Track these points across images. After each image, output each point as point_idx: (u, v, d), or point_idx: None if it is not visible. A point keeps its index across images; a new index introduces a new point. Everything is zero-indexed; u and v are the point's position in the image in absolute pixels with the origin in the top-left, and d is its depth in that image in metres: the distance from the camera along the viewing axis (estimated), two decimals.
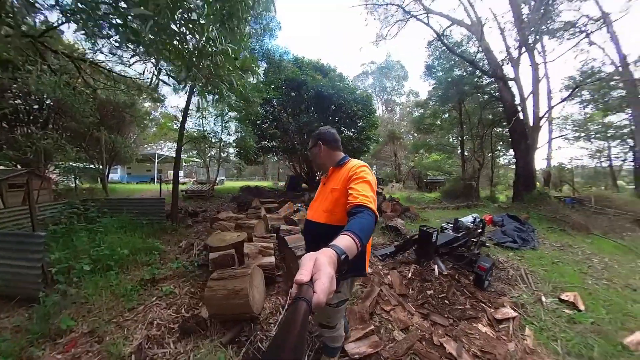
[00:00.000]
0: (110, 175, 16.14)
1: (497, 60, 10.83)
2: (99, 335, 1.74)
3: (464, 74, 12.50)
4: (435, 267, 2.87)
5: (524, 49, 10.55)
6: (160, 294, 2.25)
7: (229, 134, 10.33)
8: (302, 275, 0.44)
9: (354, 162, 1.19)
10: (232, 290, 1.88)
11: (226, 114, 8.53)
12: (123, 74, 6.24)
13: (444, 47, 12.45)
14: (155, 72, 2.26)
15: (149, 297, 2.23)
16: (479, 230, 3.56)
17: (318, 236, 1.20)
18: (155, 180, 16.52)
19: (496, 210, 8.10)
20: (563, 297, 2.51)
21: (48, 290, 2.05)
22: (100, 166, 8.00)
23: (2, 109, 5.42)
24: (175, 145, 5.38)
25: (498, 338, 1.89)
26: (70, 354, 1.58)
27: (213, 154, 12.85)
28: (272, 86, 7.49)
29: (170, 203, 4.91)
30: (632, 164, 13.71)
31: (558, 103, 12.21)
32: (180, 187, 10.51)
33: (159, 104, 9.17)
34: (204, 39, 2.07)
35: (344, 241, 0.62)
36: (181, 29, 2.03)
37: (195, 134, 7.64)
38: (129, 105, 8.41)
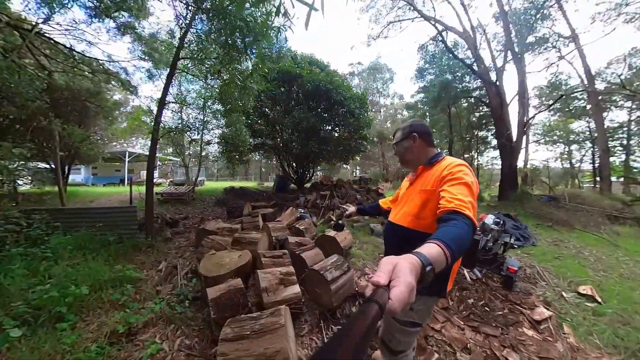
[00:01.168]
0: (72, 177, 14.18)
1: (486, 66, 11.26)
2: None
3: (454, 78, 12.84)
4: (466, 272, 2.78)
5: (509, 58, 11.17)
6: (143, 356, 1.54)
7: (211, 128, 9.31)
8: (380, 277, 0.42)
9: (449, 160, 1.03)
10: (263, 356, 1.25)
11: (208, 105, 7.55)
12: (87, 55, 5.17)
13: (435, 52, 13.01)
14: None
15: None
16: (502, 231, 3.37)
17: (400, 241, 1.10)
18: (126, 181, 14.78)
19: (486, 210, 8.19)
20: (581, 290, 2.62)
21: None
22: (53, 165, 6.63)
23: None
24: (149, 142, 4.47)
25: (544, 340, 1.91)
26: None
27: (192, 151, 11.71)
28: (265, 77, 6.75)
29: (144, 210, 4.01)
30: (591, 165, 16.07)
31: (541, 111, 13.16)
32: (155, 189, 9.33)
33: (130, 95, 7.94)
34: None
35: (432, 250, 0.54)
36: None
37: (173, 127, 6.57)
38: (94, 93, 7.12)
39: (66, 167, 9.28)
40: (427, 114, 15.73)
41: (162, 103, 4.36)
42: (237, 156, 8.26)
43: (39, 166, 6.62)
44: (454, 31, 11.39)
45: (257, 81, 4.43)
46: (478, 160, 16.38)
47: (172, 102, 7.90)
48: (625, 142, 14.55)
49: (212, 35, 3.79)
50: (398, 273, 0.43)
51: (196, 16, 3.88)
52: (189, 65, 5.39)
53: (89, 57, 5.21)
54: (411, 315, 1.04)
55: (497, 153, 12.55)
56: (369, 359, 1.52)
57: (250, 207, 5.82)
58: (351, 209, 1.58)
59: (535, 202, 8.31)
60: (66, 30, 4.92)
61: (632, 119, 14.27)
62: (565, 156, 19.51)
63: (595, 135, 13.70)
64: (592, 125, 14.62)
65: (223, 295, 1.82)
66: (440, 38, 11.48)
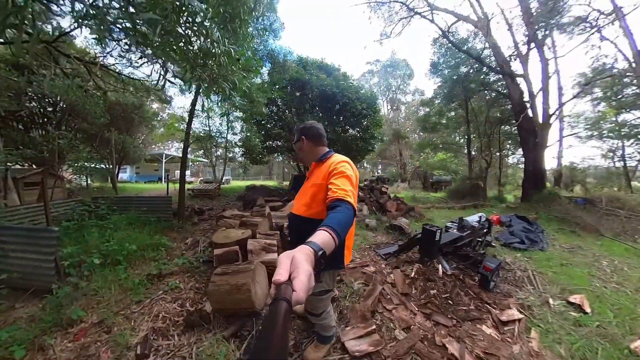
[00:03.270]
0: (120, 175, 16.60)
1: (505, 57, 10.55)
2: (108, 326, 1.81)
3: (470, 71, 12.29)
4: (439, 266, 2.83)
5: (533, 45, 10.19)
6: (166, 289, 2.32)
7: (234, 133, 10.47)
8: (280, 275, 0.45)
9: (335, 157, 1.21)
10: (234, 286, 1.93)
11: (230, 113, 8.64)
12: (131, 76, 6.42)
13: (450, 45, 12.16)
14: (162, 73, 2.33)
15: (155, 291, 2.30)
16: (484, 230, 3.51)
17: (298, 228, 1.27)
18: (163, 179, 16.88)
19: (504, 211, 7.95)
20: (571, 299, 2.48)
21: (60, 282, 2.15)
22: (110, 166, 8.23)
23: (19, 111, 5.66)
24: (182, 145, 5.52)
25: (503, 340, 1.87)
26: (80, 343, 1.66)
27: (219, 153, 13.05)
28: (277, 86, 7.54)
29: (177, 201, 5.04)
30: None
31: (568, 100, 11.86)
32: (187, 186, 10.73)
33: (166, 105, 9.35)
34: (208, 40, 2.13)
35: (321, 237, 0.63)
36: (186, 32, 2.10)
37: (201, 134, 7.77)
38: (138, 106, 8.64)
39: (117, 167, 11.13)
40: (444, 110, 15.06)
41: (191, 114, 5.38)
42: (253, 157, 9.22)
43: (100, 166, 8.24)
44: (468, 21, 10.88)
45: (262, 95, 5.19)
46: (503, 159, 14.99)
47: (199, 111, 9.14)
48: None
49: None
50: (296, 265, 0.47)
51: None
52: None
53: (132, 78, 6.47)
54: (321, 286, 1.28)
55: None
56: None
57: (263, 201, 6.66)
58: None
59: (564, 205, 7.60)
60: (116, 58, 6.24)
61: None
62: (611, 154, 15.78)
63: None
64: None
65: (224, 253, 2.55)
66: (443, 34, 10.93)
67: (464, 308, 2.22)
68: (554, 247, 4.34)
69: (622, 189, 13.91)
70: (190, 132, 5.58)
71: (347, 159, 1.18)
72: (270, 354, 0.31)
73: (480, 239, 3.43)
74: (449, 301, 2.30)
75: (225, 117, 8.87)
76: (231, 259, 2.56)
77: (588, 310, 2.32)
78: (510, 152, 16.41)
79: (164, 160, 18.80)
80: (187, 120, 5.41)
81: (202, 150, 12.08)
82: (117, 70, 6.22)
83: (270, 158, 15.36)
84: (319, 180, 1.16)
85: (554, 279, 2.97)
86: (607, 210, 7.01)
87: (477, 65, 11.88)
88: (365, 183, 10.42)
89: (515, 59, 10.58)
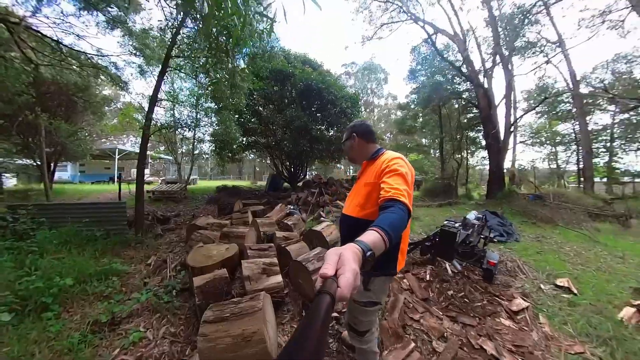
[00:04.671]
0: (58, 174, 13.87)
1: (476, 70, 11.51)
2: None
3: (444, 80, 13.08)
4: (447, 265, 2.87)
5: (498, 61, 11.44)
6: (125, 343, 1.59)
7: (206, 124, 9.25)
8: (327, 269, 0.45)
9: (388, 154, 1.14)
10: (240, 337, 1.32)
11: (202, 99, 7.47)
12: (75, 48, 5.09)
13: (427, 54, 13.13)
14: None
15: (108, 349, 1.56)
16: (484, 227, 3.48)
17: (352, 230, 1.15)
18: (116, 179, 14.54)
19: (474, 207, 8.40)
20: (558, 283, 2.76)
21: None
22: (39, 162, 6.49)
23: None
24: (140, 139, 4.45)
25: (520, 329, 1.98)
26: None
27: (185, 149, 11.61)
28: (255, 78, 6.76)
29: (134, 207, 4.01)
30: (576, 165, 16.54)
31: (525, 113, 13.52)
32: (147, 187, 9.24)
33: (121, 91, 7.75)
34: None
35: (371, 237, 0.60)
36: None
37: (165, 124, 6.45)
38: (82, 88, 6.96)
39: (52, 164, 9.10)
40: (419, 114, 15.92)
41: (153, 100, 4.36)
42: (228, 154, 8.22)
43: (23, 162, 6.46)
44: (444, 34, 11.59)
45: (248, 80, 4.46)
46: (468, 160, 16.68)
47: (164, 100, 7.84)
48: (608, 144, 15.01)
49: (198, 37, 3.83)
50: (343, 262, 0.47)
51: (187, 17, 3.92)
52: (181, 63, 5.37)
53: (77, 50, 5.11)
54: (369, 296, 1.14)
55: (486, 153, 12.85)
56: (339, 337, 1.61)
57: (241, 204, 5.85)
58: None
59: (521, 201, 8.56)
60: (54, 23, 4.85)
61: (614, 122, 14.76)
62: (552, 157, 20.02)
63: (580, 137, 14.09)
64: (577, 127, 14.89)
65: (208, 284, 1.89)
66: (430, 41, 11.67)
67: (479, 304, 2.29)
68: (524, 238, 4.71)
69: (557, 185, 17.00)
70: (152, 120, 4.53)
71: (401, 155, 1.10)
72: (308, 346, 0.29)
73: (482, 236, 3.40)
74: (465, 299, 2.35)
75: (195, 103, 7.65)
76: (219, 290, 1.91)
77: (575, 291, 2.60)
78: (470, 155, 18.20)
79: (117, 157, 16.14)
80: (147, 106, 4.39)
81: (166, 146, 10.59)
82: (54, 39, 4.85)
83: (244, 155, 14.28)
84: (371, 179, 1.10)
85: (537, 266, 3.22)
86: (556, 204, 8.02)
87: (450, 75, 12.85)
88: (349, 182, 10.18)
89: (482, 74, 11.61)
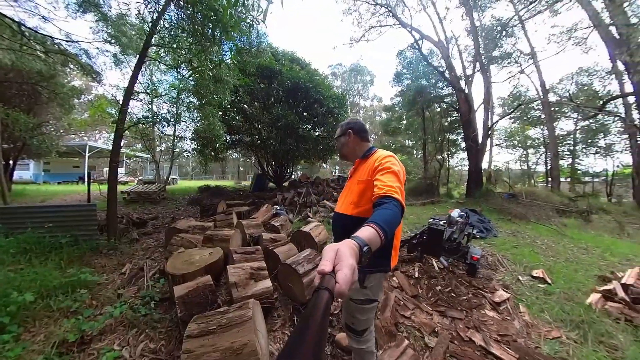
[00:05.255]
0: (18, 174, 12.63)
1: (457, 76, 12.07)
2: None
3: (428, 84, 13.60)
4: (434, 262, 2.96)
5: (477, 69, 12.18)
6: None
7: (185, 121, 8.75)
8: (325, 265, 0.45)
9: (380, 152, 1.15)
10: (229, 350, 1.23)
11: (187, 94, 7.02)
12: (40, 31, 4.59)
13: (412, 58, 13.63)
14: None
15: None
16: (466, 224, 3.64)
17: (345, 228, 1.16)
18: (86, 179, 13.51)
19: (455, 205, 8.84)
20: (534, 274, 2.96)
21: None
22: None
23: None
24: (113, 134, 4.08)
25: (504, 319, 2.10)
26: None
27: (164, 148, 11.02)
28: (241, 74, 6.50)
29: (106, 210, 3.69)
30: (544, 166, 18.20)
31: (502, 118, 14.47)
32: (121, 187, 8.63)
33: (93, 81, 7.04)
34: None
35: (367, 233, 0.61)
36: None
37: (142, 119, 5.94)
38: (47, 77, 6.29)
39: (10, 162, 8.23)
40: (403, 116, 16.36)
41: (129, 92, 4.03)
42: (211, 152, 7.88)
43: None
44: (429, 40, 11.99)
45: (234, 74, 4.27)
46: (449, 161, 17.46)
47: (142, 92, 7.33)
48: (571, 147, 16.60)
49: (183, 22, 3.59)
50: (340, 258, 0.47)
51: (171, 2, 3.65)
52: (162, 53, 5.02)
53: (42, 34, 4.61)
54: (365, 293, 1.14)
55: (465, 155, 13.52)
56: (333, 339, 1.60)
57: (225, 206, 5.63)
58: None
59: (497, 199, 9.10)
60: (15, 1, 4.35)
61: (577, 128, 16.26)
62: (523, 159, 21.78)
63: (548, 141, 15.55)
64: (546, 132, 16.30)
65: (190, 293, 1.75)
66: (417, 46, 12.04)
67: (465, 298, 2.39)
68: (502, 233, 4.98)
69: (529, 185, 18.63)
70: (127, 114, 4.17)
71: (393, 154, 1.11)
72: (307, 343, 0.29)
73: (466, 233, 3.55)
74: (452, 294, 2.44)
75: (176, 98, 7.19)
76: (203, 300, 1.78)
77: (549, 280, 2.81)
78: (451, 156, 19.20)
79: (87, 154, 14.88)
80: (123, 99, 4.04)
81: (143, 143, 9.97)
82: (15, 20, 4.32)
83: (228, 154, 13.81)
84: (365, 176, 1.11)
85: (514, 259, 3.43)
86: (527, 202, 8.64)
87: (433, 80, 13.39)
88: (336, 182, 10.20)
89: (463, 79, 12.26)
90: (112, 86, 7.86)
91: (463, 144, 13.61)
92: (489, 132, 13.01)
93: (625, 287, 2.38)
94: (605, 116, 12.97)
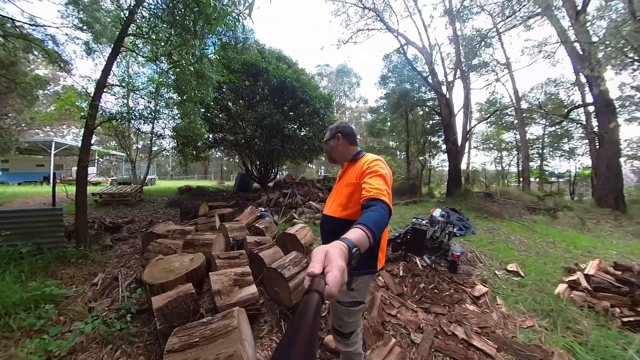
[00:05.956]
0: None
1: (439, 81, 12.60)
2: None
3: (412, 88, 14.12)
4: (418, 260, 3.07)
5: (458, 75, 12.81)
6: None
7: (164, 119, 8.29)
8: (314, 267, 0.45)
9: (368, 156, 1.18)
10: None
11: (166, 89, 6.61)
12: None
13: (397, 62, 14.08)
14: None
15: None
16: (448, 223, 3.78)
17: (333, 230, 1.17)
18: (51, 179, 12.42)
19: (437, 205, 9.21)
20: (509, 268, 3.14)
21: None
22: None
23: None
24: (84, 130, 3.72)
25: (483, 312, 2.22)
26: None
27: (141, 145, 10.41)
28: (225, 70, 6.26)
29: (75, 214, 3.40)
30: (516, 168, 19.84)
31: (479, 122, 15.39)
32: (92, 189, 8.04)
33: (60, 70, 6.36)
34: None
35: (356, 234, 0.61)
36: None
37: (117, 114, 5.44)
38: (6, 64, 5.65)
39: None
40: (388, 118, 16.78)
41: (102, 84, 3.71)
42: (193, 151, 7.56)
43: None
44: (414, 46, 12.39)
45: (217, 70, 4.09)
46: (430, 162, 18.19)
47: (117, 85, 6.83)
48: (540, 151, 18.16)
49: (163, 12, 3.39)
50: (330, 259, 0.47)
51: None
52: (139, 44, 4.70)
53: (0, 15, 4.15)
54: (353, 296, 1.15)
55: (445, 156, 14.15)
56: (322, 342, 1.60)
57: (207, 208, 5.43)
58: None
59: (475, 198, 9.56)
60: None
61: (545, 133, 17.77)
62: (498, 160, 23.41)
63: (520, 144, 16.79)
64: (518, 136, 17.61)
65: (170, 303, 1.66)
66: (402, 50, 12.39)
67: (447, 293, 2.49)
68: (479, 231, 5.18)
69: (503, 184, 20.10)
70: (98, 108, 3.84)
71: (381, 158, 1.13)
72: (298, 346, 0.29)
73: (447, 232, 3.68)
74: (435, 290, 2.54)
75: (155, 92, 6.76)
76: (185, 310, 1.70)
77: (522, 273, 3.00)
78: (432, 157, 20.10)
79: (53, 151, 13.62)
80: (95, 91, 3.72)
81: (118, 140, 9.36)
82: None
83: (210, 153, 13.32)
84: (353, 179, 1.13)
85: (491, 254, 3.64)
86: (502, 201, 9.19)
87: (417, 84, 13.91)
88: (321, 182, 10.21)
89: (444, 85, 12.79)
90: (82, 77, 7.24)
91: (444, 146, 14.25)
92: (468, 136, 13.86)
93: (587, 277, 2.60)
94: (569, 123, 14.31)
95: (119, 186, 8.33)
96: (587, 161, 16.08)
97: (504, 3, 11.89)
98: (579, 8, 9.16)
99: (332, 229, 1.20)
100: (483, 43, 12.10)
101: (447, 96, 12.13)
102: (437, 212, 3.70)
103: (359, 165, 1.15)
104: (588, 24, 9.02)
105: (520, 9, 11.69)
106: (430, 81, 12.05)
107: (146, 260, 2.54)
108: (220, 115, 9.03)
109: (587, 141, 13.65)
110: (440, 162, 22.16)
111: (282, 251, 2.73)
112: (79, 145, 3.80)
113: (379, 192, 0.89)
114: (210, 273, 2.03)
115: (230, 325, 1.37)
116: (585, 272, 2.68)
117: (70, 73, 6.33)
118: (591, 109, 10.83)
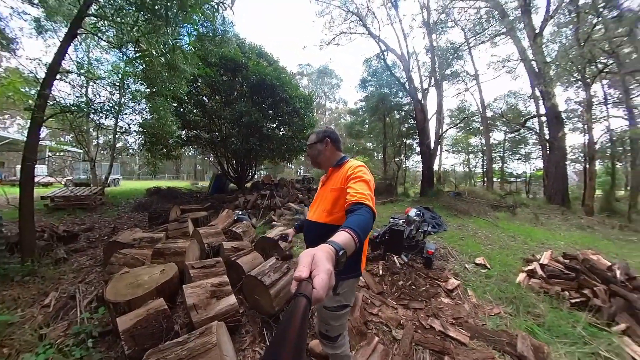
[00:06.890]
0: None
1: (415, 87, 13.32)
2: None
3: (390, 92, 14.74)
4: (396, 259, 3.19)
5: (432, 83, 13.83)
6: None
7: (130, 114, 7.53)
8: (301, 271, 0.45)
9: (352, 162, 1.20)
10: None
11: (133, 80, 5.96)
12: None
13: (377, 67, 14.68)
14: None
15: None
16: (423, 222, 3.98)
17: (319, 236, 1.13)
18: None
19: (411, 204, 9.71)
20: (477, 261, 3.40)
21: None
22: None
23: None
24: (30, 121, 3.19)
25: (456, 304, 2.36)
26: None
27: (102, 142, 9.43)
28: (201, 63, 5.86)
29: (17, 221, 2.93)
30: (481, 169, 22.19)
31: (449, 128, 16.78)
32: (42, 191, 7.07)
33: (2, 50, 5.42)
34: None
35: (342, 237, 0.62)
36: None
37: (73, 106, 4.70)
38: None
39: None
40: (366, 120, 17.27)
41: (54, 69, 3.21)
42: (162, 149, 7.00)
43: None
44: (394, 53, 12.95)
45: (192, 62, 3.81)
46: (405, 164, 19.14)
47: (74, 72, 6.03)
48: (502, 154, 20.54)
49: None
50: (317, 263, 0.47)
51: None
52: (101, 27, 4.20)
53: None
54: (338, 300, 1.16)
55: (419, 158, 14.96)
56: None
57: (179, 211, 5.07)
58: (289, 231, 1.57)
59: (445, 197, 10.28)
60: None
61: (506, 139, 20.07)
62: (466, 162, 25.60)
63: (484, 148, 18.73)
64: (483, 141, 19.54)
65: (140, 323, 1.50)
66: (382, 56, 12.88)
67: (424, 289, 2.62)
68: (450, 228, 5.52)
69: (469, 184, 22.18)
70: (48, 97, 3.32)
71: (364, 164, 1.16)
72: (286, 350, 0.29)
73: (422, 230, 3.87)
74: (413, 287, 2.64)
75: (120, 83, 6.07)
76: (157, 329, 1.55)
77: (488, 266, 3.27)
78: (407, 159, 21.34)
79: None
80: (44, 78, 3.21)
81: (74, 135, 8.36)
82: None
83: (183, 151, 12.54)
84: (338, 184, 1.14)
85: (461, 249, 3.88)
86: (469, 199, 10.05)
87: (395, 89, 14.61)
88: (301, 183, 10.13)
89: (420, 91, 13.63)
90: (31, 60, 6.28)
91: (418, 149, 15.05)
92: (440, 139, 14.97)
93: (542, 266, 2.91)
94: (526, 131, 16.11)
95: (75, 188, 7.46)
96: (539, 164, 18.31)
97: (475, 20, 13.14)
98: (537, 31, 10.37)
99: (317, 235, 1.20)
100: (456, 55, 13.17)
101: (422, 102, 12.89)
102: (412, 212, 3.83)
103: (343, 170, 1.17)
104: (543, 45, 10.34)
105: (489, 27, 13.08)
106: (408, 87, 12.68)
107: (109, 275, 2.28)
108: (194, 111, 8.53)
109: (540, 147, 15.69)
110: (414, 163, 23.42)
111: (262, 256, 2.62)
112: (25, 139, 3.28)
113: (364, 196, 0.91)
114: (184, 286, 1.87)
115: (209, 343, 1.28)
116: (541, 262, 3.03)
117: (15, 53, 5.48)
118: (544, 119, 12.29)
